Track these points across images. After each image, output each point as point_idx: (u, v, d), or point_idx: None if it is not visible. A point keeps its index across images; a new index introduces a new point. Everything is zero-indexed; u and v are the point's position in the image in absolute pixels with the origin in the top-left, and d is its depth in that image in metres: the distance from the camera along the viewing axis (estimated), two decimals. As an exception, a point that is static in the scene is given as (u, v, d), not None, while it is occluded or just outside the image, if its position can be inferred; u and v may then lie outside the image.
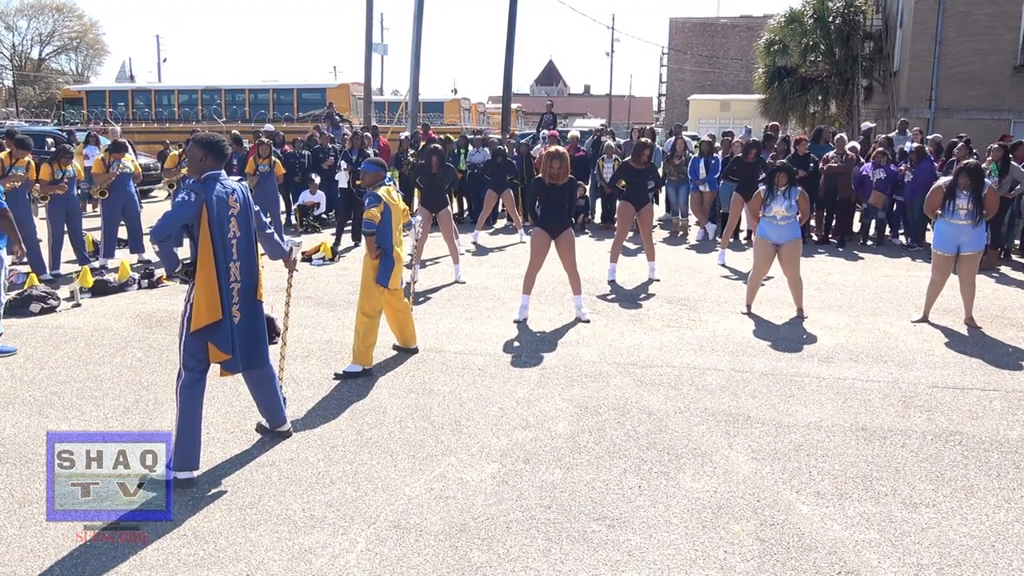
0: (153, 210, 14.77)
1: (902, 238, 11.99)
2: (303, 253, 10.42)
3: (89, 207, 13.74)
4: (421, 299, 8.02)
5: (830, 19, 23.38)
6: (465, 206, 14.13)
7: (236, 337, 4.11)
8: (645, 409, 5.08)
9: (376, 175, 5.74)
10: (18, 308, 7.36)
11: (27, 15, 54.67)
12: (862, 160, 12.03)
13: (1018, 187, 9.99)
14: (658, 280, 9.01)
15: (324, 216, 13.24)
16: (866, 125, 16.00)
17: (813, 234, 11.91)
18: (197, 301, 3.96)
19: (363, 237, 5.68)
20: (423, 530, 3.63)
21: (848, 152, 11.69)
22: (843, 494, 4.00)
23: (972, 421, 4.96)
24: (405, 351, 6.19)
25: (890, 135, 13.65)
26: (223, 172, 4.10)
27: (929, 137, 13.37)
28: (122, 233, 10.32)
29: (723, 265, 10.00)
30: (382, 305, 5.74)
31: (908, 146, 12.80)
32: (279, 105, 25.39)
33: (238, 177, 4.51)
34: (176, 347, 4.18)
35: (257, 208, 4.37)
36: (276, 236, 4.64)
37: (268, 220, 11.56)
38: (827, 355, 6.25)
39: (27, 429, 4.72)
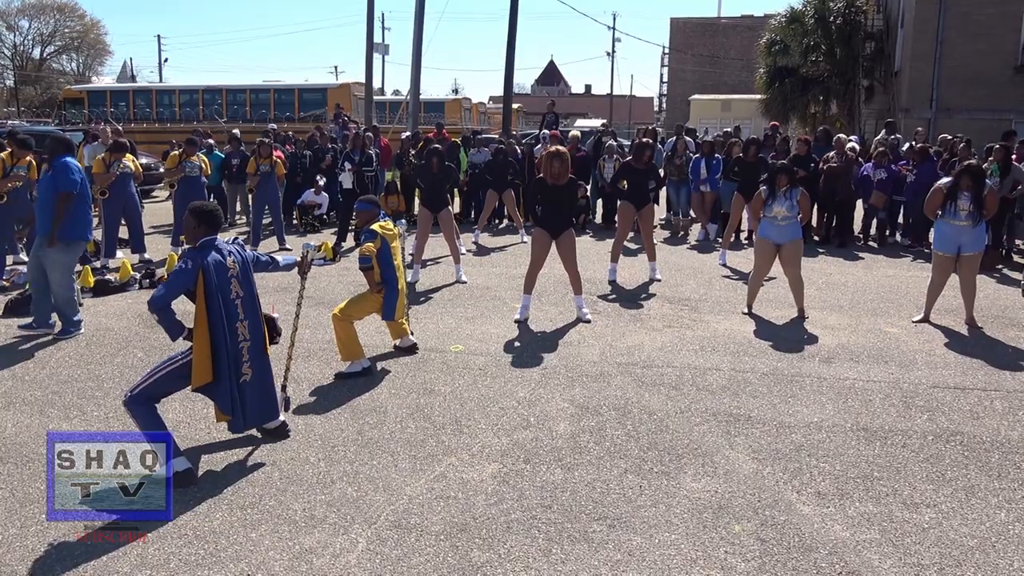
0: (154, 209, 14.78)
1: (899, 236, 12.02)
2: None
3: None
4: (422, 299, 8.02)
5: (831, 19, 23.38)
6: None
7: (246, 397, 4.21)
8: (646, 409, 5.08)
9: (370, 213, 5.85)
10: (19, 308, 7.35)
11: (28, 15, 54.78)
12: (861, 160, 12.02)
13: (1020, 188, 9.98)
14: (659, 280, 9.00)
15: (325, 216, 13.25)
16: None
17: (814, 234, 11.90)
18: (194, 362, 4.04)
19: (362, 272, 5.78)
20: (424, 530, 3.63)
21: (848, 152, 11.68)
22: (844, 494, 4.00)
23: (973, 421, 4.96)
24: (404, 350, 6.19)
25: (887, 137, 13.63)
26: (218, 237, 4.20)
27: (940, 138, 13.36)
28: (123, 233, 10.32)
29: (724, 265, 9.99)
30: (361, 318, 5.82)
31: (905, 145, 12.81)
32: (280, 105, 25.39)
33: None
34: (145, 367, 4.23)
35: (255, 253, 4.49)
36: (277, 257, 4.77)
37: (269, 222, 11.67)
38: (828, 355, 6.25)
39: (28, 428, 4.72)
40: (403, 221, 7.29)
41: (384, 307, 5.79)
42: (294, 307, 5.20)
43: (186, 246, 4.31)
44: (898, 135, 13.79)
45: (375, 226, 5.73)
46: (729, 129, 15.98)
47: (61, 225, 6.50)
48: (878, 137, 14.21)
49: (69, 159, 6.69)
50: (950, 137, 12.69)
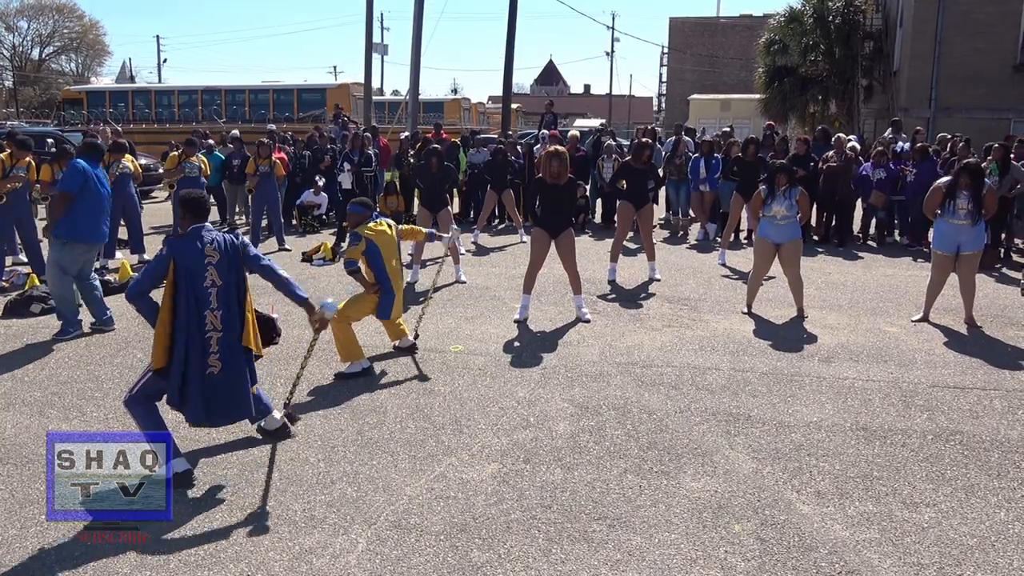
0: (153, 210, 14.78)
1: (896, 235, 12.04)
2: (303, 253, 10.43)
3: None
4: (421, 299, 8.01)
5: (830, 18, 23.38)
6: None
7: (215, 389, 4.03)
8: (645, 409, 5.08)
9: (360, 216, 5.81)
10: (18, 308, 7.36)
11: (27, 16, 54.74)
12: (862, 160, 12.03)
13: (1019, 187, 9.99)
14: (658, 280, 9.01)
15: (324, 216, 13.25)
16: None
17: (813, 234, 11.91)
18: (153, 344, 3.98)
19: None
20: (424, 530, 3.63)
21: (848, 152, 11.68)
22: (844, 494, 4.00)
23: (972, 420, 4.96)
24: (404, 350, 6.19)
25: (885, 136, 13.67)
26: (207, 225, 4.15)
27: (939, 136, 13.39)
28: (122, 234, 10.32)
29: (723, 265, 10.00)
30: (358, 319, 5.83)
31: (900, 145, 12.82)
32: (279, 105, 25.38)
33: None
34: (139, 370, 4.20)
35: (267, 262, 4.29)
36: (292, 283, 4.42)
37: (266, 222, 11.64)
38: (827, 355, 6.25)
39: (28, 429, 4.72)
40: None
41: (379, 306, 5.80)
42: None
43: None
44: (903, 134, 13.79)
45: (362, 228, 5.72)
46: (727, 128, 15.97)
47: (58, 223, 6.53)
48: (884, 135, 14.23)
49: (79, 161, 6.75)
50: (949, 136, 12.71)
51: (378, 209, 7.20)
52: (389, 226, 5.90)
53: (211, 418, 4.10)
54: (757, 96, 27.97)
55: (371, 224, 5.76)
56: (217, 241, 4.08)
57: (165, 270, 4.00)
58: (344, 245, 10.84)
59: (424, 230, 6.59)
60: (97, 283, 6.95)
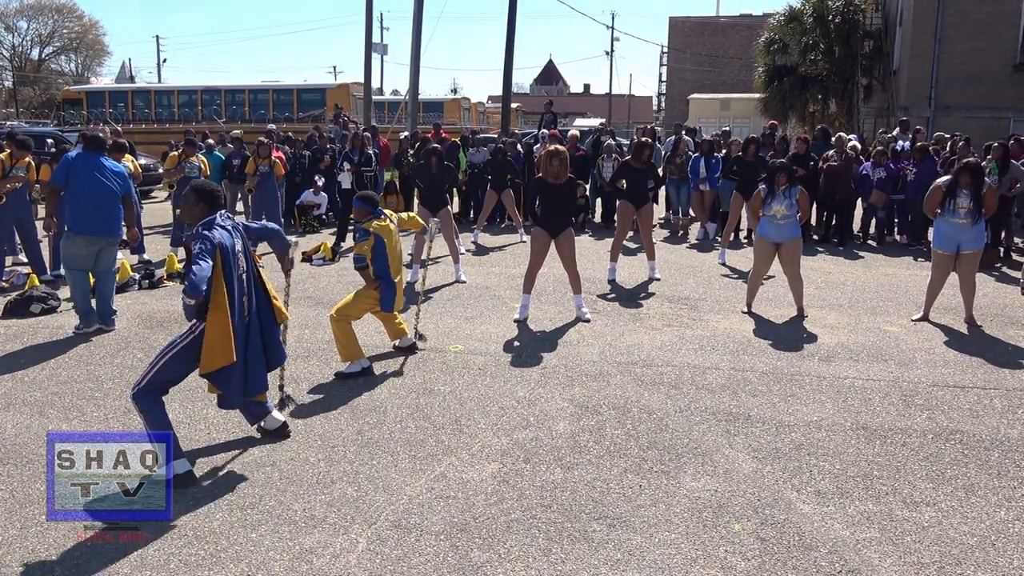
0: (153, 210, 14.77)
1: (896, 235, 12.04)
2: (303, 253, 10.43)
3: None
4: (421, 298, 8.00)
5: (830, 18, 23.39)
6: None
7: (247, 372, 4.15)
8: (645, 408, 5.08)
9: (363, 211, 5.80)
10: (18, 308, 7.35)
11: (27, 16, 54.74)
12: (862, 159, 12.03)
13: (1018, 186, 9.99)
14: (658, 279, 9.01)
15: (324, 216, 13.25)
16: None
17: (813, 233, 11.91)
18: (211, 344, 3.95)
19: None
20: (424, 530, 3.63)
21: (848, 151, 11.68)
22: (844, 493, 4.00)
23: (972, 420, 4.96)
24: (404, 350, 6.19)
25: (891, 134, 13.67)
26: (218, 216, 4.13)
27: (936, 135, 13.39)
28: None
29: (723, 264, 10.00)
30: (358, 317, 5.83)
31: (900, 144, 12.82)
32: (279, 105, 25.39)
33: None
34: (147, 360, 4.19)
35: (261, 224, 4.46)
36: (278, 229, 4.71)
37: (263, 222, 11.67)
38: (827, 354, 6.25)
39: (28, 429, 4.72)
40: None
41: (381, 299, 5.77)
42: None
43: (190, 229, 4.18)
44: (909, 133, 13.81)
45: (368, 224, 5.72)
46: (727, 128, 15.98)
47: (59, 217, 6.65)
48: (892, 134, 14.23)
49: (69, 154, 6.86)
50: (948, 136, 12.69)
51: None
52: (388, 219, 5.89)
53: (233, 403, 4.23)
54: (757, 95, 27.98)
55: (376, 220, 5.75)
56: (234, 229, 4.17)
57: (213, 259, 3.93)
58: (344, 244, 10.87)
59: (420, 221, 6.54)
60: (112, 282, 6.97)
